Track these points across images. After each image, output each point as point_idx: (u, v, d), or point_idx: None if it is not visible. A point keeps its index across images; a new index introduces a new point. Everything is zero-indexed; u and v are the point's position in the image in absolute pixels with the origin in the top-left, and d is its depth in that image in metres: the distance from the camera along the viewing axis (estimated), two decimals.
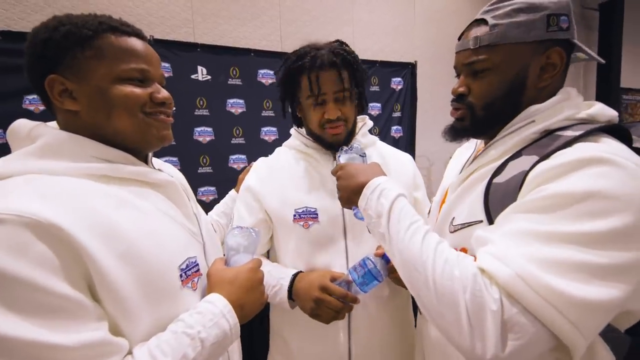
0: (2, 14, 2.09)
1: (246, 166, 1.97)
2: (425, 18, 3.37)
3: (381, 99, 3.17)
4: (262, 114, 2.70)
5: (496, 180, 0.60)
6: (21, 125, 0.51)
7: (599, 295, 0.45)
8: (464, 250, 0.63)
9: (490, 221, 0.59)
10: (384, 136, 3.23)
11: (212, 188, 2.53)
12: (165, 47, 2.41)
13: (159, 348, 0.45)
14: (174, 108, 2.37)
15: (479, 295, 0.48)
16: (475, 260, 0.54)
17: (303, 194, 0.91)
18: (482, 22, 0.66)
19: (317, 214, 0.89)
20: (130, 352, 0.45)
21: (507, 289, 0.48)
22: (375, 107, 3.17)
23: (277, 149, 1.05)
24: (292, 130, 1.02)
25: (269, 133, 2.69)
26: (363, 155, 0.81)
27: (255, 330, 1.41)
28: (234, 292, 0.56)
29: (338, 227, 0.90)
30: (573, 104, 0.63)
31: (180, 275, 0.53)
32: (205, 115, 2.53)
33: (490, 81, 0.65)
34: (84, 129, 0.53)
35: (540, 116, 0.62)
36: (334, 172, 0.78)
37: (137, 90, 0.54)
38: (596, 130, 0.57)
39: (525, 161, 0.58)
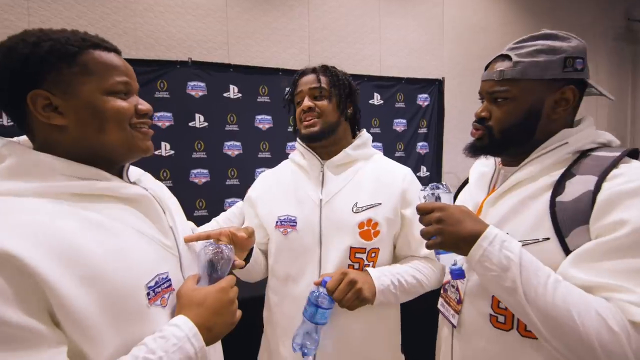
0: None
1: None
2: (453, 35, 3.36)
3: (406, 115, 3.18)
4: (289, 130, 2.80)
5: (560, 199, 0.65)
6: None
7: None
8: None
9: (561, 238, 0.63)
10: (409, 152, 3.23)
11: (239, 199, 2.66)
12: (202, 69, 2.61)
13: None
14: (206, 123, 2.53)
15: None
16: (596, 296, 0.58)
17: (288, 202, 0.97)
18: (506, 57, 0.74)
19: (296, 222, 0.94)
20: None
21: None
22: (400, 124, 3.18)
23: (283, 162, 1.13)
24: (296, 143, 1.09)
25: (294, 148, 2.78)
26: (450, 192, 0.75)
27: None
28: (202, 314, 0.54)
29: (314, 237, 0.93)
30: (594, 130, 0.73)
31: (148, 294, 0.52)
32: (235, 131, 2.69)
33: (508, 109, 0.73)
34: (69, 142, 0.52)
35: (573, 139, 0.70)
36: (423, 209, 0.70)
37: (125, 104, 0.54)
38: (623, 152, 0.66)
39: (585, 181, 0.63)
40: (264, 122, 2.76)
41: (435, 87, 3.23)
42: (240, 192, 2.83)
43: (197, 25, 2.72)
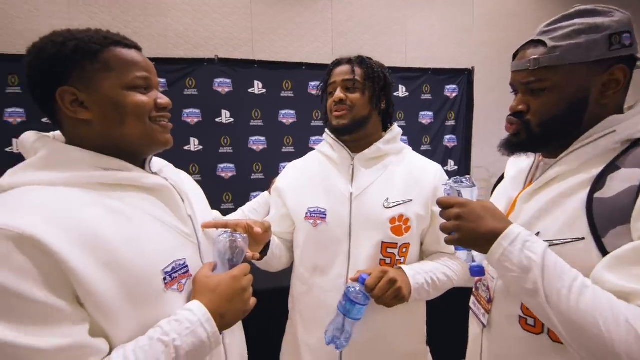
0: None
1: None
2: (484, 22, 3.21)
3: (433, 107, 3.09)
4: (312, 124, 2.83)
5: (599, 195, 0.59)
6: (26, 137, 0.55)
7: None
8: None
9: (597, 238, 0.57)
10: (436, 145, 3.14)
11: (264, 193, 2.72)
12: (228, 66, 2.68)
13: (133, 353, 0.47)
14: (232, 119, 2.60)
15: None
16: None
17: (318, 194, 0.97)
18: (540, 43, 0.66)
19: (326, 215, 0.94)
20: (110, 354, 0.47)
21: None
22: (426, 116, 3.10)
23: (310, 153, 1.13)
24: (324, 134, 1.08)
25: (317, 142, 2.79)
26: (473, 186, 0.72)
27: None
28: (214, 300, 0.55)
29: (344, 230, 0.93)
30: None
31: (164, 279, 0.54)
32: (259, 126, 2.74)
33: (549, 100, 0.66)
34: (94, 136, 0.55)
35: (622, 126, 0.62)
36: (444, 204, 0.68)
37: (144, 98, 0.56)
38: None
39: (630, 175, 0.57)
40: (287, 116, 2.79)
41: (464, 77, 3.11)
42: (264, 186, 2.88)
43: (224, 23, 2.78)
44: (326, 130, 1.07)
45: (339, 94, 0.94)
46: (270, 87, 2.75)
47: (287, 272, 1.08)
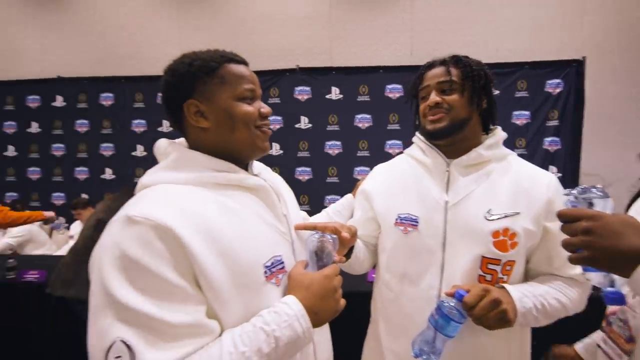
0: None
1: None
2: (596, 4, 2.71)
3: (530, 105, 2.73)
4: (388, 128, 2.77)
5: None
6: (161, 144, 0.64)
7: None
8: None
9: None
10: (534, 149, 2.77)
11: (338, 197, 2.77)
12: (308, 74, 2.82)
13: (240, 338, 0.51)
14: (310, 125, 2.74)
15: None
16: None
17: (409, 200, 0.93)
18: None
19: (417, 222, 0.90)
20: (220, 336, 0.52)
21: None
22: (521, 116, 2.75)
23: (397, 156, 1.08)
24: (414, 138, 1.04)
25: (393, 146, 2.74)
26: (607, 197, 0.61)
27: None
28: (309, 297, 0.58)
29: (437, 239, 0.87)
30: None
31: (265, 272, 0.58)
32: (335, 130, 2.81)
33: None
34: (210, 141, 0.62)
35: None
36: (569, 216, 0.59)
37: (251, 108, 0.62)
38: None
39: None
40: (363, 120, 2.79)
41: (571, 69, 2.67)
42: (339, 190, 2.96)
43: (304, 34, 2.94)
44: (417, 133, 1.02)
45: (433, 97, 0.88)
46: (347, 92, 2.79)
47: (361, 275, 1.08)
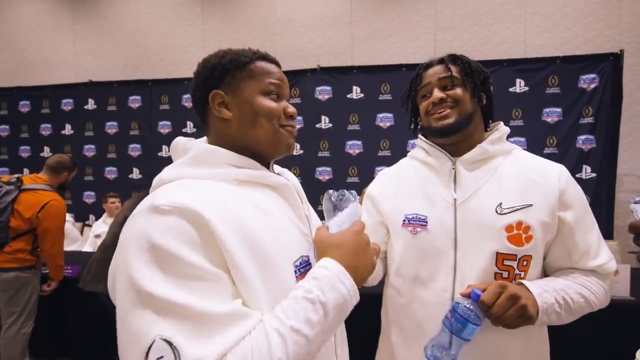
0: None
1: None
2: None
3: (562, 102, 2.60)
4: (411, 127, 2.71)
5: None
6: (178, 141, 0.64)
7: None
8: None
9: None
10: (566, 148, 2.63)
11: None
12: (329, 74, 2.81)
13: (284, 313, 0.49)
14: (331, 125, 2.72)
15: None
16: None
17: (416, 201, 0.91)
18: None
19: (426, 222, 0.87)
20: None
21: None
22: (553, 113, 2.62)
23: (401, 160, 1.08)
24: (417, 140, 1.03)
25: (415, 146, 2.67)
26: None
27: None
28: (344, 255, 0.55)
29: (448, 239, 0.85)
30: None
31: (295, 272, 0.56)
32: (356, 130, 2.78)
33: None
34: (232, 134, 0.62)
35: None
36: (638, 229, 0.58)
37: (274, 104, 0.62)
38: None
39: None
40: (385, 120, 2.75)
41: (607, 63, 2.51)
42: (360, 190, 2.90)
43: (326, 34, 2.93)
44: (419, 135, 1.01)
45: (437, 93, 0.86)
46: (368, 91, 2.75)
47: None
